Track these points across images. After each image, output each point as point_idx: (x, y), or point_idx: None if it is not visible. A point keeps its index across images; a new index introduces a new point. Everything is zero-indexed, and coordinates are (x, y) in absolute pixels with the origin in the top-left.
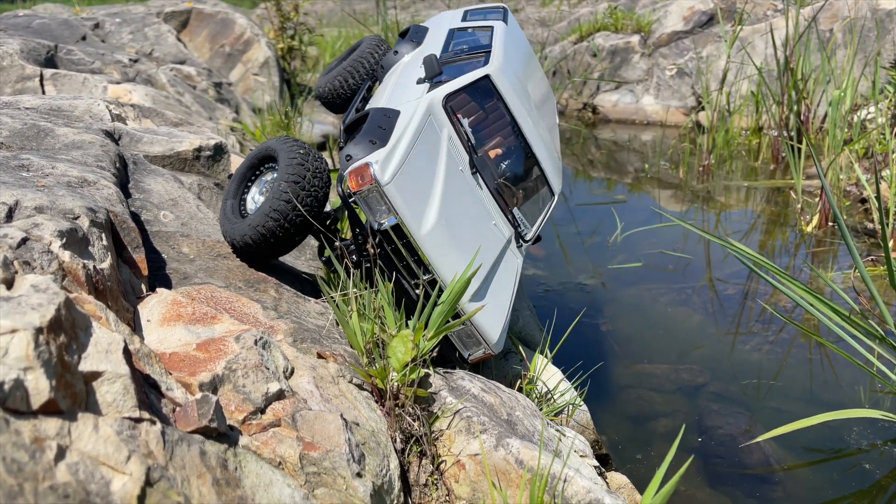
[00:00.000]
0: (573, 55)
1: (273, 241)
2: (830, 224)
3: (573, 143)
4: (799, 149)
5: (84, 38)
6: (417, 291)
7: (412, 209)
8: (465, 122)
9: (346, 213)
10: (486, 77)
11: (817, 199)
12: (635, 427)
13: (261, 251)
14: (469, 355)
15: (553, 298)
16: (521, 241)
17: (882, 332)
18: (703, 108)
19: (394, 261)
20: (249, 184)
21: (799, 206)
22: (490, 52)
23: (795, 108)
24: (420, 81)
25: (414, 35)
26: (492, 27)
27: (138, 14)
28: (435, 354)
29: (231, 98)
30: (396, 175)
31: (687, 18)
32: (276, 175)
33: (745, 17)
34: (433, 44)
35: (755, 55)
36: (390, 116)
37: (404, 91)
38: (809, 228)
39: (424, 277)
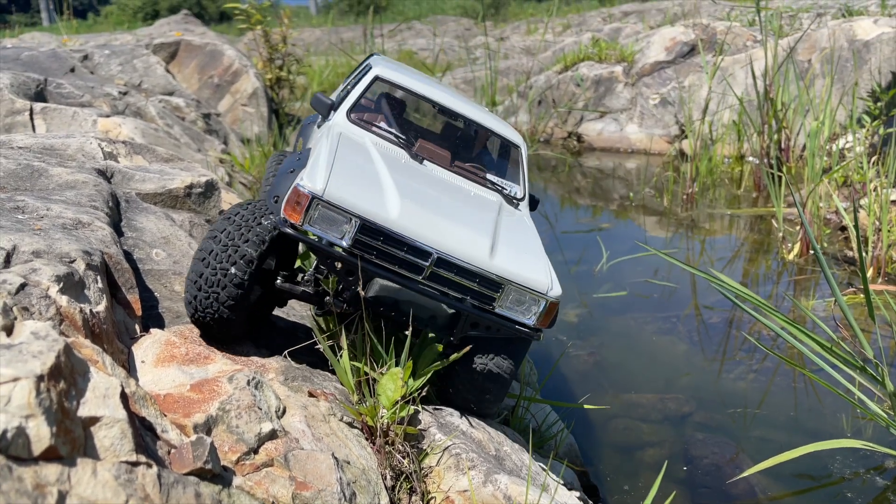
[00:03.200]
0: (557, 85)
1: (221, 322)
2: (811, 252)
3: (559, 171)
4: (780, 177)
5: (73, 70)
6: (427, 283)
7: (368, 202)
8: (383, 124)
9: (314, 255)
10: (377, 77)
11: (798, 228)
12: (622, 457)
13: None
14: (534, 319)
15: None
16: (514, 201)
17: (861, 362)
18: (686, 137)
19: (386, 265)
20: None
21: (780, 234)
22: (372, 67)
23: (776, 137)
24: (320, 124)
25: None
26: (369, 63)
27: (127, 46)
28: (424, 393)
29: (220, 129)
30: (329, 181)
31: (669, 49)
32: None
33: (725, 47)
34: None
35: (736, 85)
36: (301, 157)
37: (311, 140)
38: (791, 256)
39: (428, 262)
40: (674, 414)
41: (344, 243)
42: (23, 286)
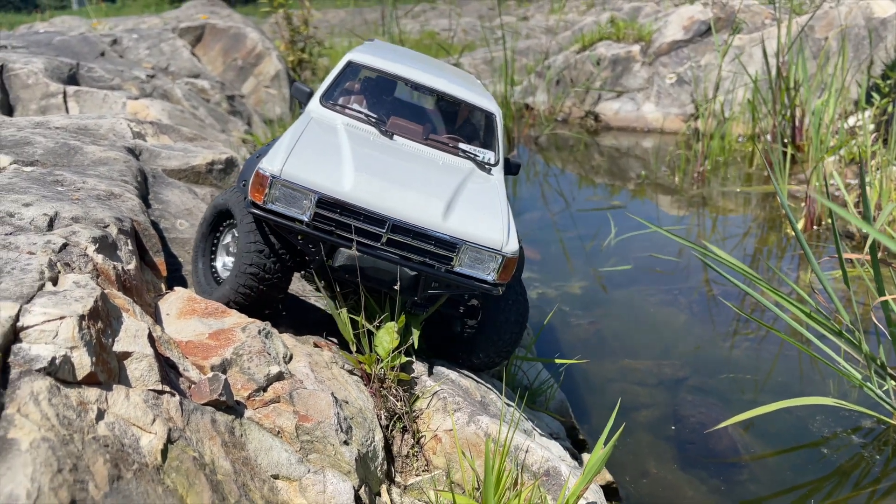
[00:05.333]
0: (575, 64)
1: (256, 300)
2: (815, 228)
3: (576, 150)
4: (785, 154)
5: (103, 55)
6: (387, 248)
7: (323, 177)
8: (357, 105)
9: (280, 231)
10: (349, 63)
11: (803, 204)
12: (617, 417)
13: (245, 310)
14: (493, 275)
15: (546, 299)
16: (486, 167)
17: (839, 327)
18: (699, 116)
19: (347, 235)
20: (215, 244)
21: (783, 210)
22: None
23: (787, 115)
24: (301, 112)
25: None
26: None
27: (154, 30)
28: (415, 346)
29: (243, 110)
30: (287, 162)
31: (687, 28)
32: (237, 236)
33: (742, 26)
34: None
35: (753, 64)
36: (271, 144)
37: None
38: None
39: (384, 230)
40: (669, 378)
41: (305, 218)
42: (65, 246)
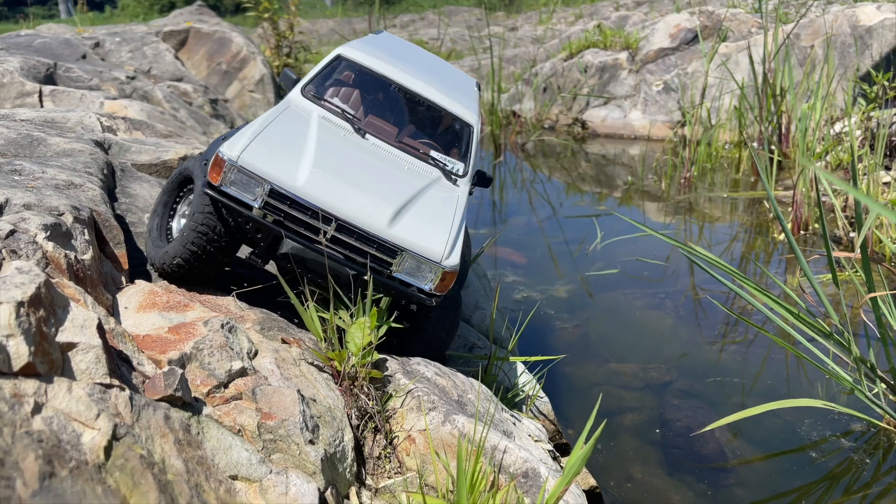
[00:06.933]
0: (562, 72)
1: (202, 260)
2: (802, 232)
3: (563, 157)
4: (772, 160)
5: (84, 57)
6: (330, 245)
7: (278, 169)
8: (337, 100)
9: (229, 214)
10: (339, 57)
11: (790, 209)
12: (602, 421)
13: (184, 275)
14: (430, 286)
15: (531, 302)
16: (453, 177)
17: (829, 329)
18: (686, 123)
19: (293, 227)
20: (175, 207)
21: (771, 215)
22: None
23: (774, 121)
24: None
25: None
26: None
27: (138, 33)
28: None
29: (227, 114)
30: (246, 149)
31: (673, 36)
32: (192, 200)
33: (728, 34)
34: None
35: (739, 71)
36: (240, 127)
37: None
38: (781, 237)
39: (329, 227)
40: (655, 382)
41: (256, 205)
42: (12, 232)
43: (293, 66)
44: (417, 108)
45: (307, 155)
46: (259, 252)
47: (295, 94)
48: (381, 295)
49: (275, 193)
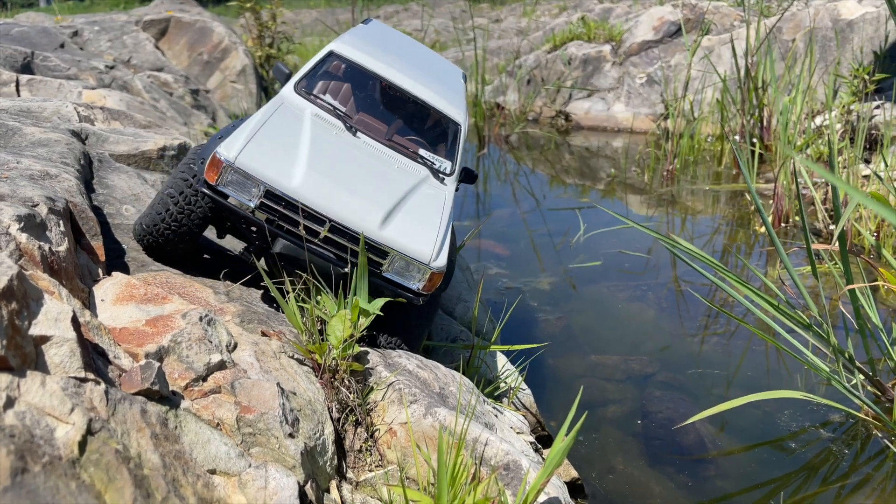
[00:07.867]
0: (546, 64)
1: (166, 241)
2: (783, 225)
3: (546, 149)
4: (753, 153)
5: (62, 46)
6: (323, 245)
7: (274, 170)
8: (328, 96)
9: (224, 213)
10: (331, 53)
11: (771, 202)
12: (583, 412)
13: (159, 246)
14: (418, 286)
15: (513, 294)
16: (441, 175)
17: (808, 321)
18: (669, 116)
19: (288, 227)
20: None
21: (752, 207)
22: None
23: (756, 114)
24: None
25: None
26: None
27: (117, 22)
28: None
29: (208, 105)
30: (243, 150)
31: (657, 28)
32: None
33: (711, 27)
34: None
35: (722, 65)
36: (236, 125)
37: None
38: (762, 229)
39: (323, 228)
40: (637, 374)
41: (252, 204)
42: None
43: (276, 56)
44: (407, 105)
45: (301, 156)
46: (252, 248)
47: (288, 90)
48: (364, 290)
49: (270, 194)
